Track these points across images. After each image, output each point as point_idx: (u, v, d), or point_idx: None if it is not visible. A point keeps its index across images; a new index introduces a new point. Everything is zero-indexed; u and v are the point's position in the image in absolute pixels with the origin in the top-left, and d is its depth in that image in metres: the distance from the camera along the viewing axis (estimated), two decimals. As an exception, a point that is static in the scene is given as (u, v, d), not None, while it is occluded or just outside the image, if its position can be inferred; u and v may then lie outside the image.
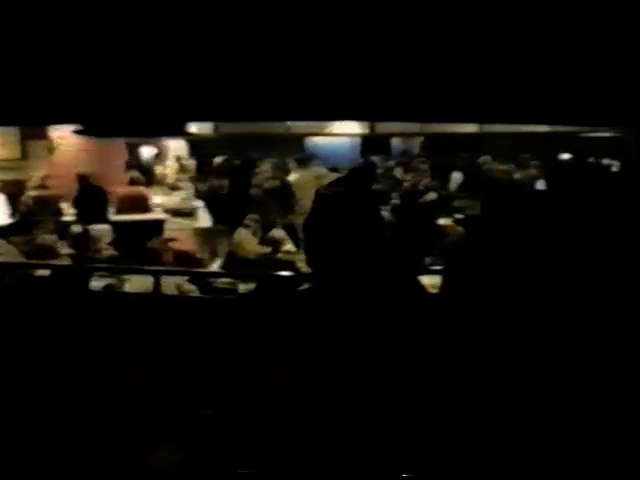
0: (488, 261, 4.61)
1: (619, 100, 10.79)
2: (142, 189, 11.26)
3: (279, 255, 7.64)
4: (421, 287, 5.11)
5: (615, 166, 12.17)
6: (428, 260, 6.48)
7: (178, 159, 12.80)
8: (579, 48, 10.20)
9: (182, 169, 11.99)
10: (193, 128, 10.66)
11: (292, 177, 11.32)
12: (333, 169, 11.17)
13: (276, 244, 7.84)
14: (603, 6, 10.30)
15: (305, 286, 6.08)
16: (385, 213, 7.58)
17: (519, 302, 4.53)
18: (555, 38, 9.99)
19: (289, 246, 7.86)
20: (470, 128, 11.17)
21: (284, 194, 10.14)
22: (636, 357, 5.31)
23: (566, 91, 10.15)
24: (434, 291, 5.19)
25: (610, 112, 10.60)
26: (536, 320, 4.52)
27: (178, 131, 10.15)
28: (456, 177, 11.56)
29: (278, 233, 8.10)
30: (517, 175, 12.06)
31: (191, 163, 12.32)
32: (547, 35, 9.97)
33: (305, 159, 11.92)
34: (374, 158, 12.72)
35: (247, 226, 8.52)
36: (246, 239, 8.39)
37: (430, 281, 5.43)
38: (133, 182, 11.24)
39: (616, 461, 4.31)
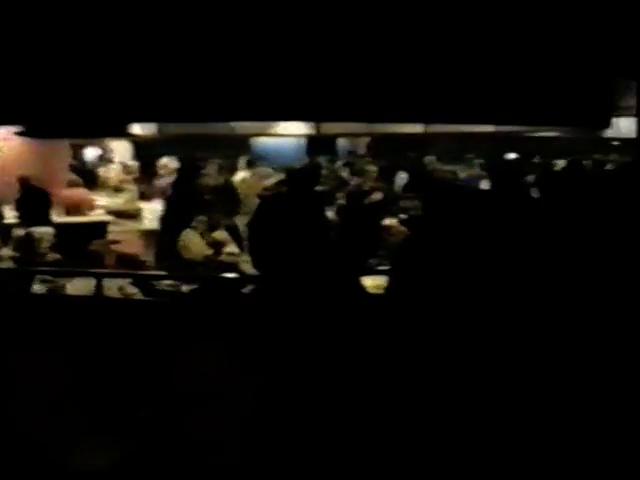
0: (430, 260, 4.68)
1: (564, 100, 10.94)
2: (85, 191, 11.18)
3: (222, 257, 7.64)
4: (361, 288, 5.17)
5: (560, 166, 12.35)
6: (374, 261, 6.52)
7: (121, 161, 12.72)
8: (522, 50, 10.34)
9: (126, 170, 11.91)
10: (136, 129, 10.59)
11: (237, 178, 11.32)
12: (278, 169, 11.18)
13: (218, 246, 7.85)
14: (547, 9, 10.46)
15: (249, 287, 6.10)
16: (330, 214, 7.61)
17: (461, 299, 4.60)
18: (498, 41, 10.13)
19: (232, 248, 7.86)
20: (415, 128, 11.24)
21: (229, 195, 10.13)
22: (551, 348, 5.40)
23: (510, 92, 10.29)
24: (378, 291, 5.26)
25: (555, 112, 10.77)
26: (479, 315, 4.60)
27: (120, 132, 10.10)
28: (401, 177, 11.66)
29: (220, 235, 8.10)
30: (462, 175, 12.19)
31: (135, 164, 12.24)
32: (491, 38, 10.11)
33: (251, 160, 11.91)
34: (320, 158, 12.76)
35: (194, 227, 8.50)
36: (193, 240, 8.38)
37: (374, 282, 5.49)
38: (71, 184, 11.20)
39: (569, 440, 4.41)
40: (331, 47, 8.96)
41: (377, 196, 10.19)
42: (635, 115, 17.87)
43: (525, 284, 5.09)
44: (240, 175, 11.40)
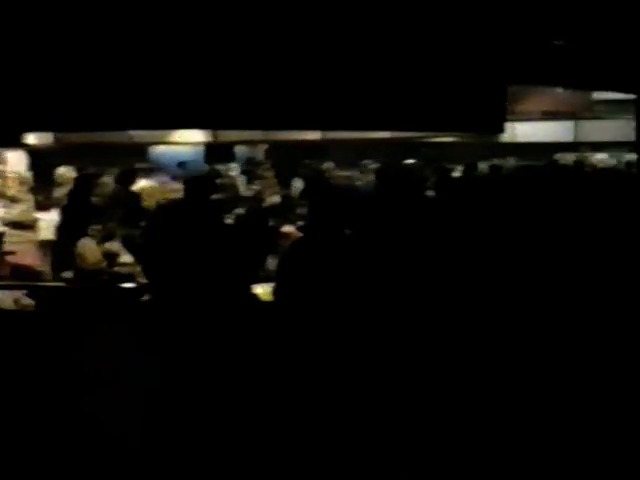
0: (311, 266, 4.85)
1: (459, 107, 11.27)
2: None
3: (116, 268, 7.66)
4: (252, 295, 5.32)
5: (458, 170, 12.65)
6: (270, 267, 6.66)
7: (16, 171, 12.59)
8: (417, 57, 10.62)
9: (21, 181, 11.80)
10: (31, 139, 10.54)
11: (135, 187, 11.32)
12: (177, 178, 11.24)
13: (111, 257, 7.87)
14: (441, 15, 10.75)
15: (146, 297, 6.18)
16: (229, 221, 7.72)
17: (344, 302, 4.80)
18: (394, 48, 10.38)
19: (126, 258, 7.88)
20: (312, 135, 11.43)
21: (127, 204, 10.14)
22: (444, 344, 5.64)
23: (406, 98, 10.55)
24: (269, 298, 5.41)
25: (451, 118, 11.08)
26: (361, 317, 4.79)
27: (14, 142, 10.02)
28: (297, 184, 11.83)
29: (113, 246, 8.12)
30: (361, 181, 12.41)
31: (30, 175, 12.14)
32: (387, 46, 10.35)
33: (149, 168, 11.94)
34: (218, 166, 12.84)
35: (91, 236, 8.49)
36: (90, 250, 8.37)
37: (266, 289, 5.64)
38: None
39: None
40: (227, 54, 9.06)
41: (274, 199, 10.34)
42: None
43: (415, 284, 5.33)
44: (138, 184, 11.41)
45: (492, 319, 5.82)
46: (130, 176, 11.36)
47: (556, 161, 12.17)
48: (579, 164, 13.67)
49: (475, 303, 5.79)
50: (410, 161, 13.92)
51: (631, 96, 17.49)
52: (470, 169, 10.36)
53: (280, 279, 4.93)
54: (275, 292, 4.99)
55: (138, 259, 6.92)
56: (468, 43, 11.27)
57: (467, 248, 6.47)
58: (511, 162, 15.65)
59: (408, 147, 15.43)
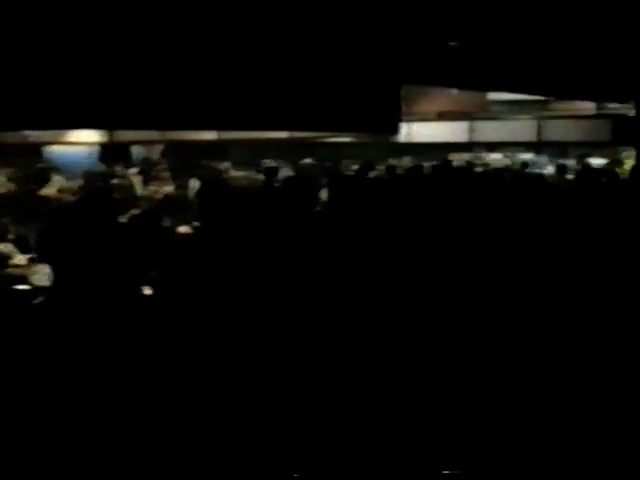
0: (188, 263, 5.02)
1: (354, 107, 11.50)
2: None
3: (8, 270, 7.62)
4: (139, 293, 5.45)
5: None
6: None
7: None
8: (312, 58, 10.81)
9: None
10: None
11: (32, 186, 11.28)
12: (73, 178, 11.25)
13: (3, 259, 7.82)
14: (336, 16, 10.94)
15: (39, 299, 6.23)
16: (123, 221, 7.80)
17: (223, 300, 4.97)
18: (291, 49, 10.54)
19: (19, 259, 7.85)
20: (209, 135, 11.56)
21: (21, 204, 10.13)
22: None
23: (302, 99, 10.74)
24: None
25: (346, 119, 11.31)
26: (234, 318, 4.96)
27: None
28: (193, 184, 11.92)
29: (4, 247, 8.08)
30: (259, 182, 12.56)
31: None
32: (284, 46, 10.51)
33: (44, 168, 11.89)
34: (114, 167, 12.87)
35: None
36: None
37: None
38: None
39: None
40: (121, 54, 9.10)
41: (169, 200, 10.41)
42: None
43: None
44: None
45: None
46: (25, 177, 11.33)
47: (450, 161, 12.50)
48: (470, 164, 14.05)
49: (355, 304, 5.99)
50: (307, 160, 14.17)
51: (526, 96, 18.07)
52: (365, 169, 10.62)
53: (165, 279, 5.08)
54: (158, 291, 5.15)
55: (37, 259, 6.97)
56: (362, 44, 11.50)
57: (358, 248, 6.68)
58: (406, 162, 16.00)
59: (306, 147, 15.68)
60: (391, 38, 11.94)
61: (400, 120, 12.85)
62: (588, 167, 11.50)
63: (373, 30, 11.63)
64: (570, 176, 12.64)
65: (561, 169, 13.85)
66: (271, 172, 10.80)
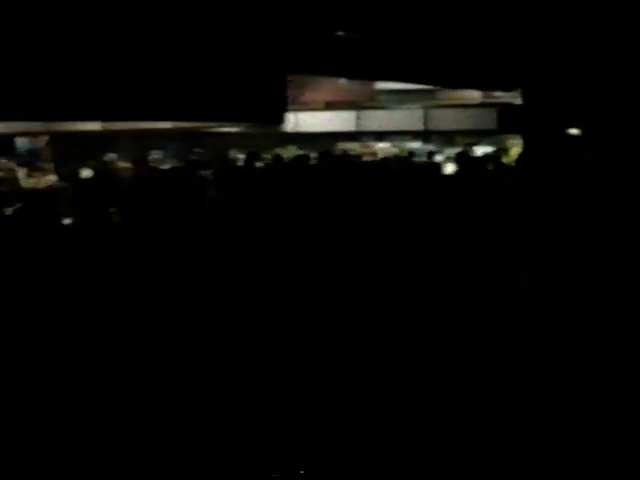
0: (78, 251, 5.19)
1: (239, 97, 11.67)
2: None
3: None
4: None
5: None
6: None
7: None
8: (198, 48, 10.93)
9: None
10: None
11: None
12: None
13: None
14: (226, 6, 11.07)
15: None
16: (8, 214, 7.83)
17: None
18: (173, 38, 10.66)
19: None
20: (93, 126, 11.59)
21: None
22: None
23: (187, 89, 10.88)
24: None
25: (231, 109, 11.49)
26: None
27: None
28: (86, 174, 11.91)
29: None
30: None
31: None
32: (165, 35, 10.62)
33: None
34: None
35: None
36: None
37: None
38: None
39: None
40: (3, 46, 9.09)
41: (54, 192, 10.40)
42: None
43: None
44: None
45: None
46: None
47: (329, 150, 12.76)
48: (343, 154, 14.25)
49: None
50: (197, 151, 14.28)
51: (413, 86, 18.44)
52: (250, 159, 10.82)
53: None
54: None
55: None
56: (247, 33, 11.66)
57: (245, 235, 6.89)
58: (291, 151, 16.19)
59: (194, 137, 15.78)
60: (276, 28, 12.13)
61: (286, 110, 13.05)
62: (465, 155, 11.88)
63: (259, 20, 11.81)
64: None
65: (430, 156, 14.31)
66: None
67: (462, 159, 10.56)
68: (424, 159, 15.37)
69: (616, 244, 7.85)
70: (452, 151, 14.93)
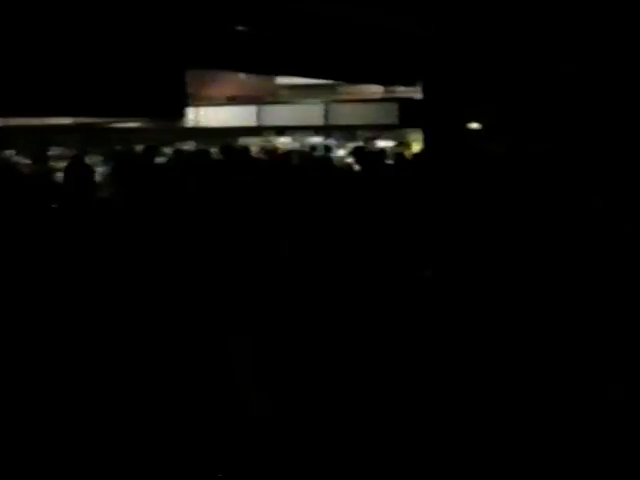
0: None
1: (138, 92, 11.64)
2: None
3: None
4: None
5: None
6: None
7: None
8: (96, 42, 10.88)
9: None
10: None
11: None
12: None
13: None
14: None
15: None
16: None
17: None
18: (70, 33, 10.59)
19: None
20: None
21: None
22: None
23: (85, 84, 10.81)
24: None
25: (130, 104, 11.46)
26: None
27: None
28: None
29: None
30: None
31: None
32: (62, 29, 10.54)
33: None
34: None
35: None
36: None
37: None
38: None
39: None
40: None
41: None
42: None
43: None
44: None
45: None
46: None
47: (229, 145, 12.81)
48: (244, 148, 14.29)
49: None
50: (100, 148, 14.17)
51: (314, 81, 18.58)
52: (148, 154, 10.80)
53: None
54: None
55: None
56: (146, 27, 11.65)
57: (140, 232, 6.91)
58: (191, 146, 16.17)
59: (97, 133, 15.65)
60: (175, 22, 12.14)
61: (186, 105, 13.07)
62: (362, 149, 12.07)
63: (158, 13, 11.81)
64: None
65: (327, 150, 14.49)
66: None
67: (359, 154, 10.72)
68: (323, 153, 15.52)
69: (518, 237, 8.08)
70: (354, 146, 15.06)
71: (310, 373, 5.92)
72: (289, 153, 14.19)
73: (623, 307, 6.87)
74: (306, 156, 13.90)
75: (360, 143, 17.07)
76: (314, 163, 11.19)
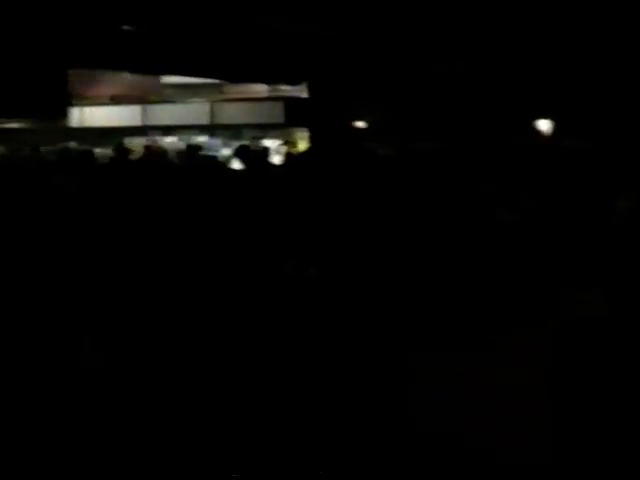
0: None
1: (18, 93, 11.61)
2: None
3: None
4: None
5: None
6: None
7: None
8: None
9: None
10: None
11: None
12: None
13: None
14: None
15: None
16: None
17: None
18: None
19: None
20: None
21: None
22: None
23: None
24: None
25: (11, 104, 11.42)
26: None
27: None
28: None
29: None
30: None
31: None
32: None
33: None
34: None
35: None
36: None
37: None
38: None
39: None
40: None
41: None
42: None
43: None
44: None
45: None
46: None
47: (122, 144, 12.84)
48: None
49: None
50: None
51: (200, 80, 18.64)
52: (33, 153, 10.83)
53: None
54: None
55: None
56: (26, 27, 11.57)
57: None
58: (73, 146, 16.08)
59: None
60: (56, 22, 12.06)
61: (69, 104, 13.00)
62: (246, 148, 12.21)
63: (39, 13, 11.74)
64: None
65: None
66: None
67: (241, 152, 10.86)
68: (211, 153, 15.59)
69: (403, 234, 8.33)
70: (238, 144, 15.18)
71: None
72: (165, 152, 14.14)
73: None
74: (190, 155, 13.95)
75: (246, 142, 17.19)
76: (195, 162, 11.30)
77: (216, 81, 19.28)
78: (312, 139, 18.60)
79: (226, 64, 16.82)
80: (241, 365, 6.07)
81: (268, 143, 18.26)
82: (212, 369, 6.04)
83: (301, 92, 19.81)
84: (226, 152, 17.14)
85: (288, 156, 12.63)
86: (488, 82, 18.48)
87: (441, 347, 6.48)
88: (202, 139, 19.32)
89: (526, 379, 5.57)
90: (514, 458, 4.78)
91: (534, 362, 5.71)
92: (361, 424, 5.34)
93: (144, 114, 19.44)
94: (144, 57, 14.92)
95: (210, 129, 19.79)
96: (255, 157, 10.63)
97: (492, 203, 8.98)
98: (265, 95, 20.35)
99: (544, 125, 21.20)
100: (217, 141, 18.90)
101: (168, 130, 19.52)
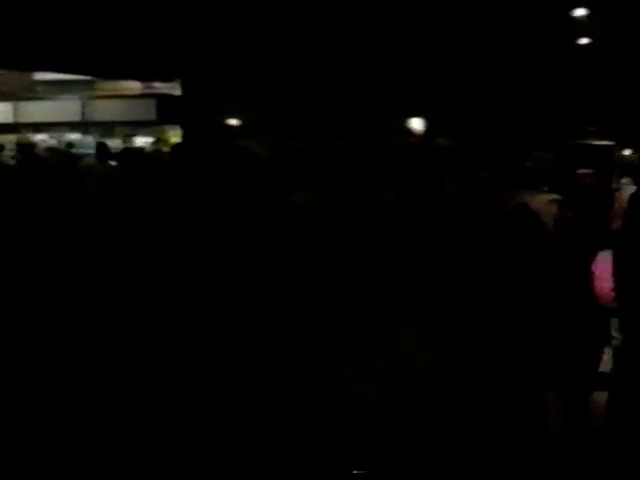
0: None
1: None
2: None
3: None
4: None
5: None
6: None
7: None
8: None
9: None
10: None
11: None
12: None
13: None
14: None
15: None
16: None
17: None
18: None
19: None
20: None
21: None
22: None
23: None
24: None
25: None
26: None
27: None
28: None
29: None
30: None
31: None
32: None
33: None
34: None
35: None
36: None
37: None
38: None
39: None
40: None
41: None
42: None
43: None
44: None
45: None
46: None
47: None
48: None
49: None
50: None
51: (72, 76, 18.53)
52: None
53: None
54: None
55: None
56: None
57: None
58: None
59: None
60: None
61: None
62: (129, 150, 12.39)
63: None
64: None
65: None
66: None
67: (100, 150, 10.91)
68: (82, 150, 15.63)
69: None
70: (111, 142, 15.29)
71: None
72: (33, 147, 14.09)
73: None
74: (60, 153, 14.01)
75: (118, 140, 17.25)
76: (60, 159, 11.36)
77: (88, 78, 19.20)
78: (185, 137, 18.66)
79: (98, 60, 16.74)
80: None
81: (141, 141, 18.42)
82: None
83: (174, 89, 19.85)
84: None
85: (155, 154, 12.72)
86: (363, 81, 18.87)
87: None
88: (75, 137, 19.26)
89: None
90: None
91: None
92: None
93: (15, 111, 19.28)
94: (15, 53, 14.76)
95: (82, 126, 19.72)
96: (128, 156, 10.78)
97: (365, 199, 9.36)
98: (138, 92, 20.34)
99: (417, 124, 21.93)
100: (90, 138, 18.88)
101: (40, 127, 19.37)
